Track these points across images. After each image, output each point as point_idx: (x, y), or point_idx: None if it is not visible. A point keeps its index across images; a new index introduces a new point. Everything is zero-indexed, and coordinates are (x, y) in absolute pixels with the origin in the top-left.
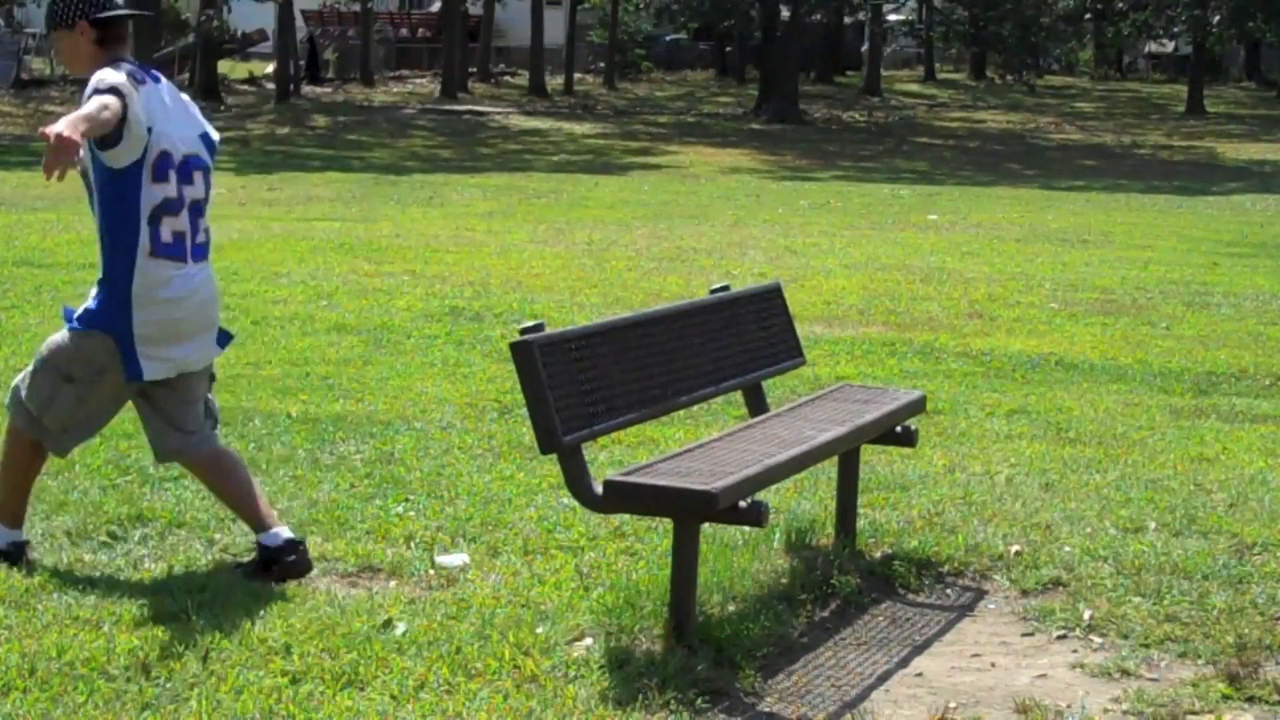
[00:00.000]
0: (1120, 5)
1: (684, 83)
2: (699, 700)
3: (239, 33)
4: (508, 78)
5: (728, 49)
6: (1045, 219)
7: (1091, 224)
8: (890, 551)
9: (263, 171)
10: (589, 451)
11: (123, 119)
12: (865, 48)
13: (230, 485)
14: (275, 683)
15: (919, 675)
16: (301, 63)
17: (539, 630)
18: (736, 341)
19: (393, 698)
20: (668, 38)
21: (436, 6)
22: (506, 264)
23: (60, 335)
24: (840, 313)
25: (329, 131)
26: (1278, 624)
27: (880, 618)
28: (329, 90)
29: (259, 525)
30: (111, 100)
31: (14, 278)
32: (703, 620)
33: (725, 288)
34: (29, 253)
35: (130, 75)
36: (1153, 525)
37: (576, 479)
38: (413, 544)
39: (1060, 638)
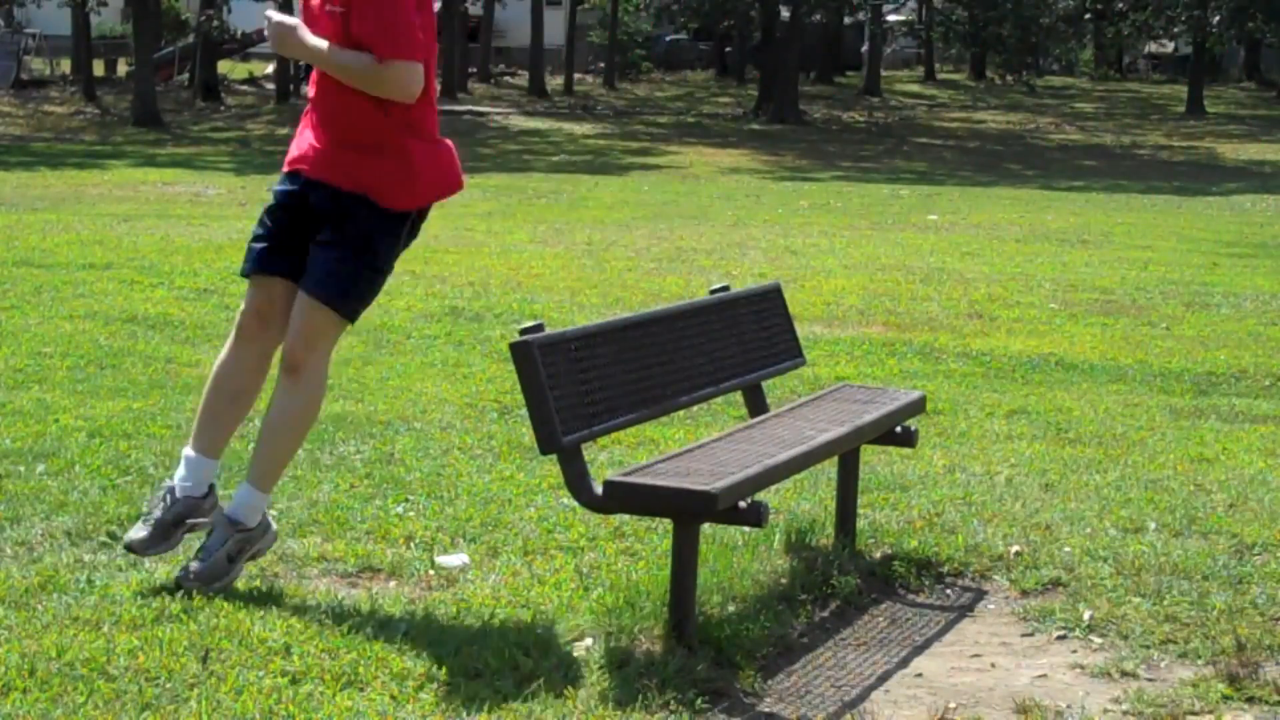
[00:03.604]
0: (1120, 5)
1: (684, 83)
2: (699, 700)
3: (239, 33)
4: (508, 78)
5: (728, 49)
6: (1045, 219)
7: (1091, 224)
8: (890, 552)
9: (262, 172)
10: (589, 451)
11: None
12: (865, 48)
13: None
14: (275, 683)
15: (919, 675)
16: (301, 63)
17: (539, 630)
18: (736, 341)
19: (393, 698)
20: (668, 38)
21: (436, 6)
22: (506, 264)
23: None
24: (840, 313)
25: None
26: (1278, 624)
27: (880, 618)
28: None
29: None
30: None
31: (14, 278)
32: (703, 620)
33: (725, 288)
34: (29, 253)
35: None
36: (1153, 525)
37: (576, 479)
38: (413, 544)
39: (1060, 638)
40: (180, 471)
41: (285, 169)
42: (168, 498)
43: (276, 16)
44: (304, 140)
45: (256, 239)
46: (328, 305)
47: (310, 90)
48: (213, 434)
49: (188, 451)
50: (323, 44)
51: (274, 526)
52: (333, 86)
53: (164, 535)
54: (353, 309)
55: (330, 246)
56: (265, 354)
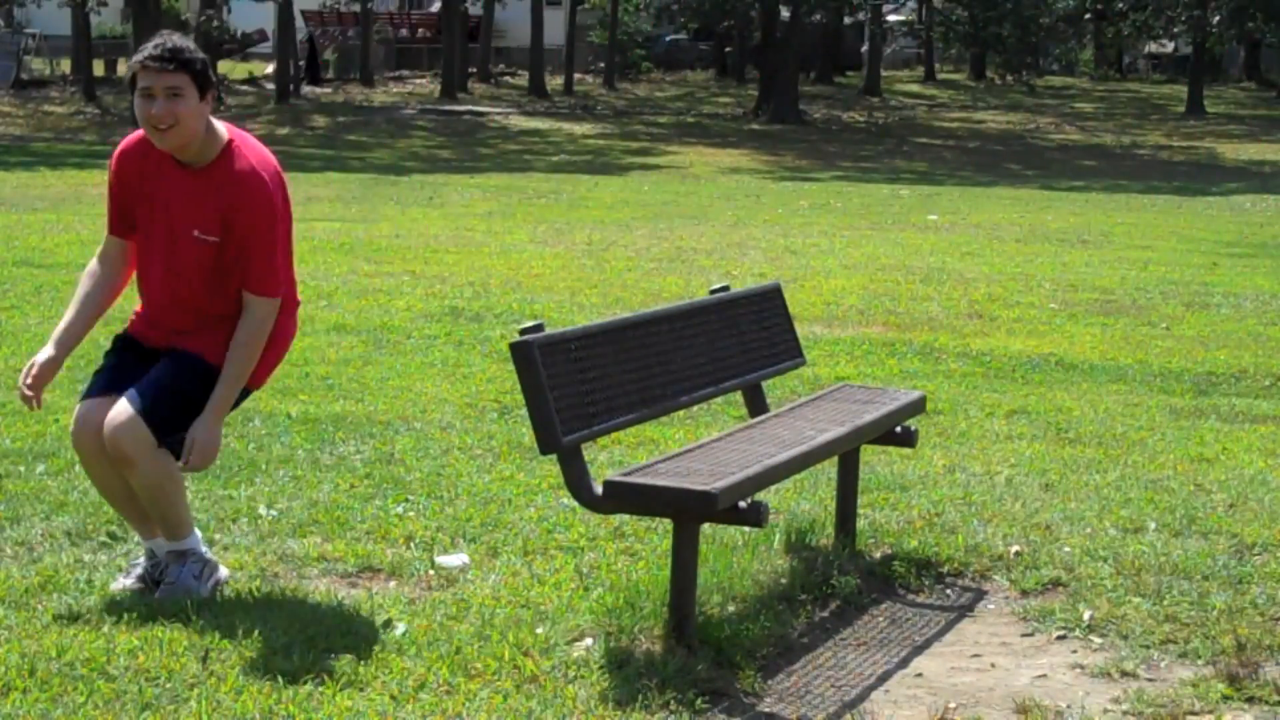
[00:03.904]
0: (1120, 5)
1: (684, 83)
2: (699, 700)
3: (239, 33)
4: (508, 78)
5: (728, 49)
6: (1045, 219)
7: (1091, 224)
8: (890, 551)
9: None
10: (589, 451)
11: None
12: (865, 48)
13: None
14: (275, 683)
15: (919, 675)
16: (301, 63)
17: (539, 630)
18: (736, 341)
19: (393, 698)
20: (668, 38)
21: (436, 6)
22: (506, 264)
23: None
24: (840, 313)
25: (329, 132)
26: (1278, 624)
27: (880, 618)
28: (329, 90)
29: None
30: None
31: (14, 278)
32: (703, 620)
33: (725, 288)
34: (29, 253)
35: None
36: (1153, 525)
37: (576, 479)
38: (413, 544)
39: (1060, 638)
40: (158, 557)
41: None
42: (151, 559)
43: (195, 446)
44: (151, 334)
45: (100, 372)
46: (132, 409)
47: (156, 299)
48: (146, 522)
49: (147, 546)
50: (221, 391)
51: (222, 571)
52: (208, 316)
53: (146, 585)
54: (158, 427)
55: (162, 367)
56: (100, 458)
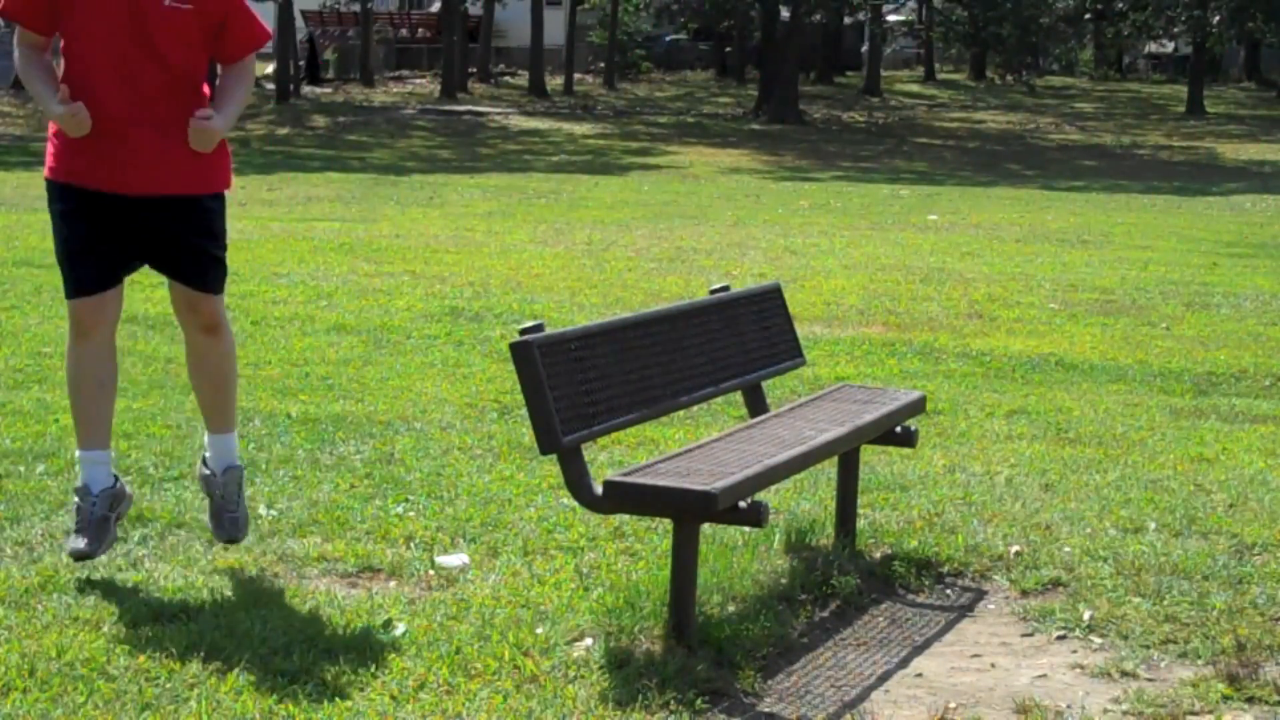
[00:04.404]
0: (1120, 6)
1: (684, 83)
2: (699, 700)
3: None
4: (507, 78)
5: (728, 49)
6: (1045, 219)
7: (1091, 224)
8: (890, 551)
9: (262, 172)
10: (589, 451)
11: None
12: (865, 48)
13: None
14: (275, 683)
15: (919, 675)
16: (301, 63)
17: (539, 630)
18: (736, 342)
19: (393, 698)
20: (668, 38)
21: (436, 7)
22: (506, 264)
23: None
24: (840, 313)
25: (329, 132)
26: (1278, 624)
27: (880, 618)
28: (329, 90)
29: None
30: None
31: (14, 278)
32: (703, 620)
33: (725, 288)
34: (29, 253)
35: None
36: (1153, 525)
37: (576, 479)
38: (413, 544)
39: (1060, 638)
40: (85, 474)
41: (96, 188)
42: (88, 501)
43: (200, 125)
44: (121, 157)
45: (81, 260)
46: (212, 294)
47: (113, 106)
48: (96, 427)
49: (83, 454)
50: (231, 104)
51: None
52: (177, 97)
53: (103, 532)
54: (224, 285)
55: (190, 243)
56: (108, 340)
